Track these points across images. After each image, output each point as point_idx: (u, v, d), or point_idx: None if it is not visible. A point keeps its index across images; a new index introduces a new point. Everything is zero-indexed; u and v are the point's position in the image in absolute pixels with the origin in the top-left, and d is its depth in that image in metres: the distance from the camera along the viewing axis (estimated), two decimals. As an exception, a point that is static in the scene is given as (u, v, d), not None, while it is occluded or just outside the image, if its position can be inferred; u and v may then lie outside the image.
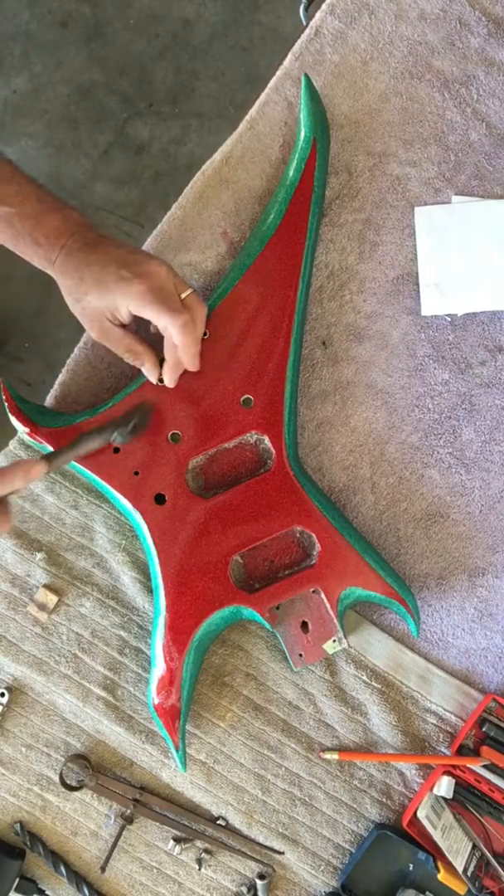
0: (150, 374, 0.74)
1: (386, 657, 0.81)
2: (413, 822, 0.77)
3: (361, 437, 0.81)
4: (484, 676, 0.81)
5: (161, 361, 0.74)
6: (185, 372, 0.74)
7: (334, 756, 0.79)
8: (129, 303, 0.69)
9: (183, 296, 0.71)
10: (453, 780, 0.78)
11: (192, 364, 0.73)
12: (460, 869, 0.77)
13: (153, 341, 0.74)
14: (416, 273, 0.81)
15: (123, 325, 0.72)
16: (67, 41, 1.64)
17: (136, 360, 0.73)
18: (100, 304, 0.70)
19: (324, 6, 0.81)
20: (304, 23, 0.84)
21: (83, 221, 0.72)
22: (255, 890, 0.79)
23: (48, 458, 0.68)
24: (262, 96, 0.81)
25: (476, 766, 0.78)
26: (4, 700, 0.78)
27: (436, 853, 0.78)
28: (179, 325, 0.69)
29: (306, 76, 0.78)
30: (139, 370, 0.74)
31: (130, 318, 0.71)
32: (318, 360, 0.81)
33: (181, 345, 0.71)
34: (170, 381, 0.74)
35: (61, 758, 0.79)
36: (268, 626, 0.75)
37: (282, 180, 0.78)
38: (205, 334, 0.75)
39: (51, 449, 0.74)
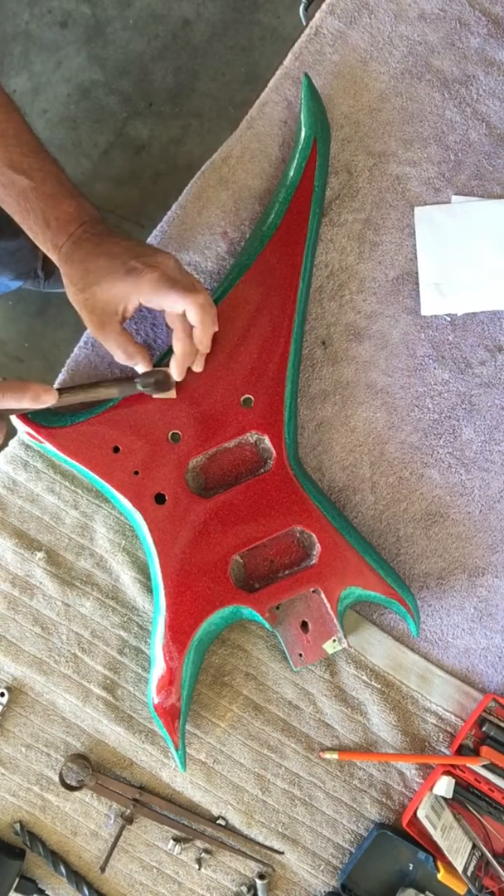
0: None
1: (386, 657, 0.81)
2: (413, 821, 0.77)
3: (361, 436, 0.81)
4: (484, 676, 0.81)
5: (161, 363, 0.74)
6: (186, 371, 0.73)
7: (334, 756, 0.79)
8: (141, 292, 0.67)
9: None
10: (453, 780, 0.78)
11: (206, 345, 0.71)
12: (460, 869, 0.77)
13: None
14: (416, 273, 0.81)
15: (122, 322, 0.71)
16: (67, 41, 1.64)
17: (130, 360, 0.72)
18: (106, 295, 0.68)
19: (324, 6, 0.81)
20: (304, 23, 0.84)
21: (95, 214, 0.72)
22: (255, 890, 0.79)
23: (61, 390, 0.69)
24: (262, 96, 0.81)
25: (476, 766, 0.78)
26: (4, 700, 0.78)
27: (436, 853, 0.78)
28: (199, 304, 0.67)
29: (306, 76, 0.77)
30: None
31: (133, 313, 0.70)
32: (318, 360, 0.81)
33: (200, 326, 0.69)
34: (178, 373, 0.73)
35: (61, 758, 0.79)
36: (268, 626, 0.75)
37: (282, 180, 0.78)
38: None
39: (52, 449, 0.74)
